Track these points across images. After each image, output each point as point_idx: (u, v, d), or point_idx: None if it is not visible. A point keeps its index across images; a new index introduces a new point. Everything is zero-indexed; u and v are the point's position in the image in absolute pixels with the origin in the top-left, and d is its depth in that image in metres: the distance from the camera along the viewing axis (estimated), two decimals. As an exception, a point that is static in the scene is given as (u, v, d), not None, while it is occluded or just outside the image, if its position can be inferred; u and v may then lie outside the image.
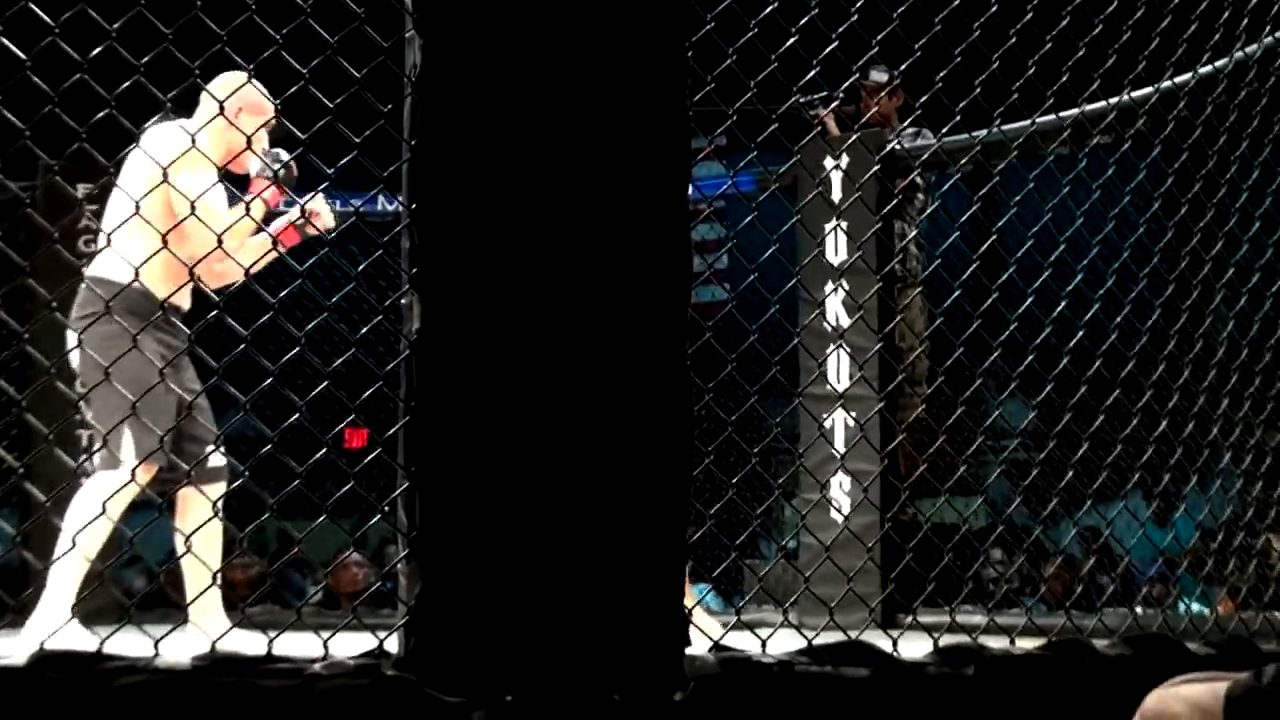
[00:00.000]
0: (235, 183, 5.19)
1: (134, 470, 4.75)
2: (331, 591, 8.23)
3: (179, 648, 3.14)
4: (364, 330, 4.58)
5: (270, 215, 5.37)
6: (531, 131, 3.01)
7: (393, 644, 3.09)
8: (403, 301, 3.11)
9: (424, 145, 3.03)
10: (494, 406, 2.98)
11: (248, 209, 4.85)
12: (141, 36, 3.23)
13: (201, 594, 4.33)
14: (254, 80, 4.19)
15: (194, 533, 4.49)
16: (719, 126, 3.74)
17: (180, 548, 4.96)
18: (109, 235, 4.79)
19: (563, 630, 3.00)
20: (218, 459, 5.24)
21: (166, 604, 6.36)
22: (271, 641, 3.09)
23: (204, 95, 4.87)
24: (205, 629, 4.01)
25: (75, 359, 5.11)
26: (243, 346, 3.32)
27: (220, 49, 3.20)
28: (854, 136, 5.72)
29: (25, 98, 3.33)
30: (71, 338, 5.01)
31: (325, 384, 3.32)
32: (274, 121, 5.04)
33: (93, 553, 4.77)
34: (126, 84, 3.22)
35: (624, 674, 3.05)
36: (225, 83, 4.78)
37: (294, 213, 5.39)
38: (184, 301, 5.28)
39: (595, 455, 3.02)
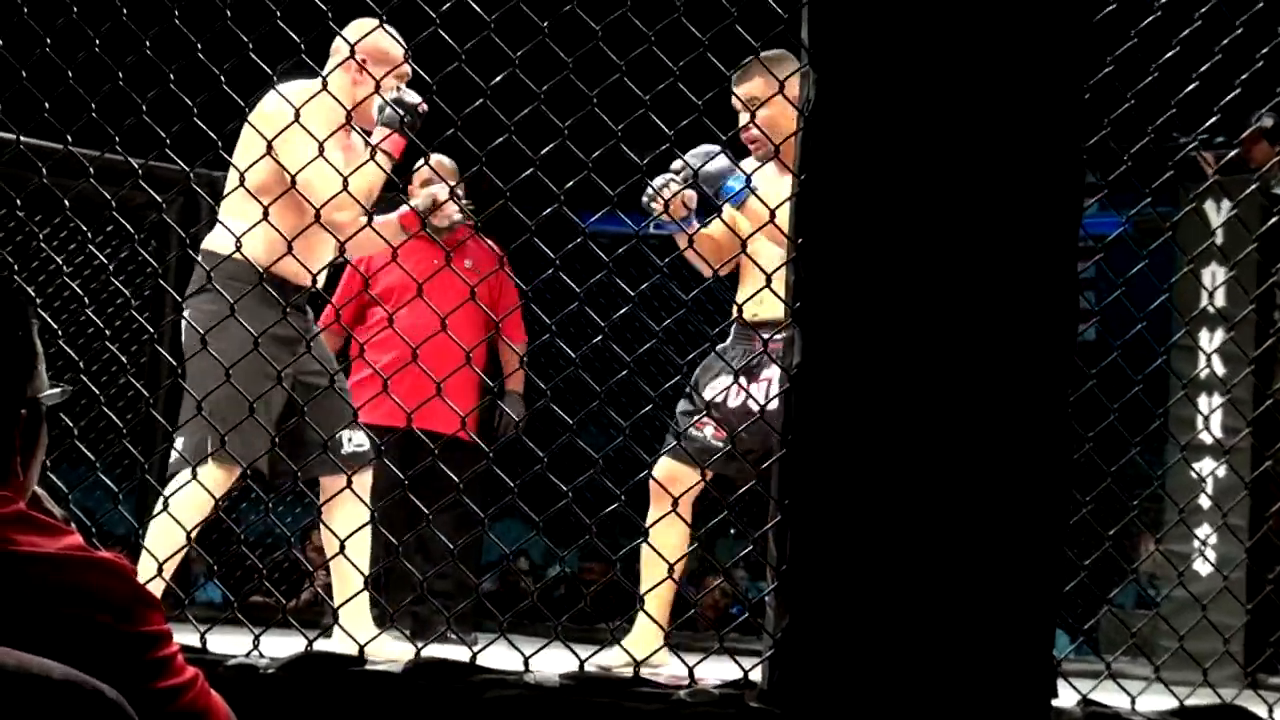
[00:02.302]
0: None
1: (194, 470, 4.30)
2: (681, 610, 8.30)
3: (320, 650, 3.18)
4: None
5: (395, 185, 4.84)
6: (922, 169, 2.99)
7: (756, 674, 3.10)
8: (784, 335, 3.11)
9: (813, 178, 3.03)
10: (872, 444, 2.96)
11: (372, 156, 4.20)
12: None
13: (352, 597, 3.97)
14: (385, 25, 4.06)
15: (348, 536, 3.93)
16: (1100, 165, 3.67)
17: (328, 547, 4.42)
18: (218, 204, 4.53)
19: (929, 676, 2.96)
20: (357, 443, 4.65)
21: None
22: (639, 663, 3.13)
23: (332, 50, 4.52)
24: (354, 633, 3.73)
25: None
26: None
27: (619, 79, 3.25)
28: (1250, 180, 5.55)
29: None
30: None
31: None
32: (406, 70, 4.50)
33: (167, 562, 3.99)
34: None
35: (990, 722, 3.00)
36: (351, 32, 4.40)
37: (423, 200, 4.84)
38: (305, 278, 4.44)
39: (971, 500, 2.97)
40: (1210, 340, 6.02)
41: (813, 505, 3.00)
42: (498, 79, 3.36)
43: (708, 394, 4.58)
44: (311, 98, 3.94)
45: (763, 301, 3.98)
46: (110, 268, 4.71)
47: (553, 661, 3.28)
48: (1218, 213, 5.93)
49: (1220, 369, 5.84)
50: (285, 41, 3.50)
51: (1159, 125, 3.62)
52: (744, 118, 4.62)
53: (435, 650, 3.23)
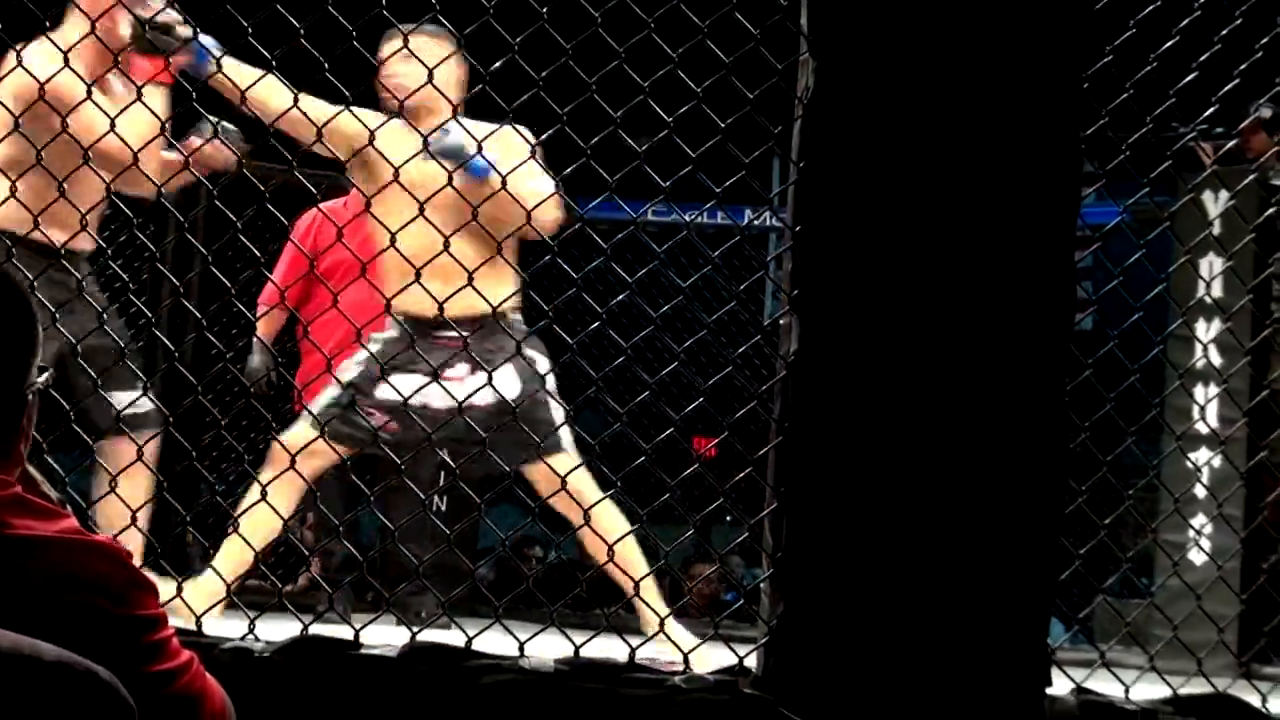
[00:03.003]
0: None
1: None
2: (676, 596, 8.32)
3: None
4: (734, 352, 4.58)
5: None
6: (920, 156, 2.99)
7: (751, 661, 3.11)
8: (781, 321, 3.12)
9: (812, 166, 3.03)
10: (869, 432, 2.96)
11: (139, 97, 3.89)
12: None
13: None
14: None
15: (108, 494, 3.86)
16: (1098, 155, 3.67)
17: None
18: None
19: (924, 663, 2.97)
20: (138, 405, 4.45)
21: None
22: (635, 650, 3.13)
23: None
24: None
25: None
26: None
27: (618, 65, 3.25)
28: (1248, 170, 5.55)
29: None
30: None
31: (700, 400, 3.34)
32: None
33: None
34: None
35: (983, 711, 3.01)
36: None
37: (195, 142, 4.49)
38: (61, 237, 4.15)
39: (967, 488, 2.98)
40: (1207, 330, 6.03)
41: (809, 492, 3.00)
42: (496, 65, 3.36)
43: (385, 391, 4.47)
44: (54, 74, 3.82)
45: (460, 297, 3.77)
46: (109, 251, 4.70)
47: (549, 647, 3.29)
48: (1215, 203, 5.94)
49: (1216, 359, 5.84)
50: (285, 26, 3.49)
51: (1157, 115, 3.62)
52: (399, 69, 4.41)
53: (430, 635, 3.23)
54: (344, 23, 3.39)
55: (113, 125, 3.71)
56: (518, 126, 3.90)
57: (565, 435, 4.48)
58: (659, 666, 3.12)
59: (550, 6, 3.37)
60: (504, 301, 4.16)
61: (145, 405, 4.46)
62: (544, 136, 3.33)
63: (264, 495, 3.90)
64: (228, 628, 3.29)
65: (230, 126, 4.35)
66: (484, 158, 3.91)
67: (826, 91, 3.02)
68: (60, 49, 3.95)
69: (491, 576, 8.41)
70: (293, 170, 3.68)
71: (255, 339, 5.90)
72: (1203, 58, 3.66)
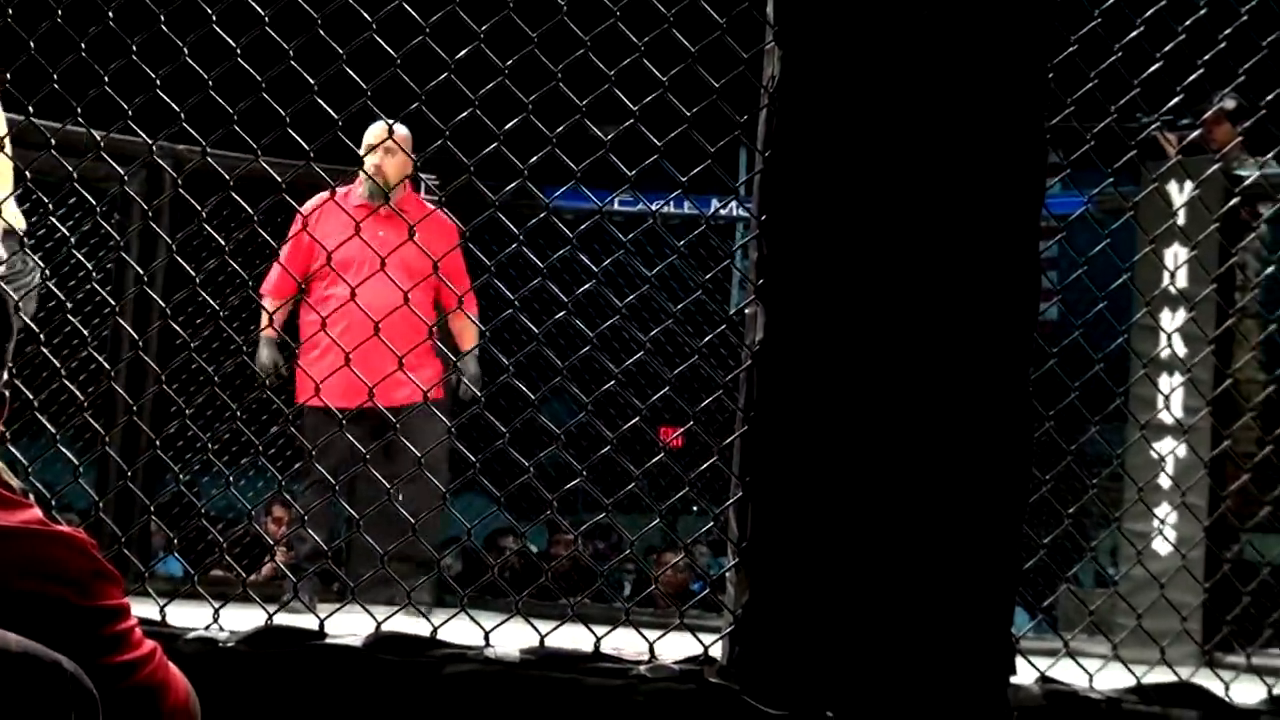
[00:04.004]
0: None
1: None
2: (642, 586, 8.33)
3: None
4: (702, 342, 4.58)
5: None
6: (886, 145, 3.00)
7: (716, 650, 3.11)
8: (747, 311, 3.12)
9: (777, 156, 3.04)
10: (834, 421, 2.97)
11: None
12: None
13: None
14: None
15: None
16: (1063, 145, 3.68)
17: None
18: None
19: (888, 650, 2.98)
20: None
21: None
22: (600, 639, 3.13)
23: None
24: None
25: None
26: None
27: (584, 54, 3.25)
28: (1212, 160, 5.57)
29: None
30: None
31: (665, 389, 3.34)
32: None
33: None
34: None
35: (948, 699, 3.02)
36: None
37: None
38: None
39: (932, 477, 2.98)
40: (1171, 320, 6.06)
41: (774, 482, 3.00)
42: (461, 54, 3.35)
43: None
44: None
45: None
46: (72, 240, 4.68)
47: (515, 636, 3.28)
48: (1180, 193, 5.96)
49: (1181, 349, 5.86)
50: (249, 14, 3.48)
51: (1122, 105, 3.63)
52: None
53: (396, 624, 3.22)
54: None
55: None
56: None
57: None
58: (624, 656, 3.12)
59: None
60: None
61: None
62: (509, 125, 3.32)
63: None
64: (192, 617, 3.28)
65: None
66: None
67: (792, 80, 3.03)
68: None
69: (459, 567, 8.41)
70: (257, 160, 3.66)
71: (262, 333, 5.85)
72: (1167, 48, 3.67)
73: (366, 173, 5.62)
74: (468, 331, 5.94)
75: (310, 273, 5.73)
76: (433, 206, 5.62)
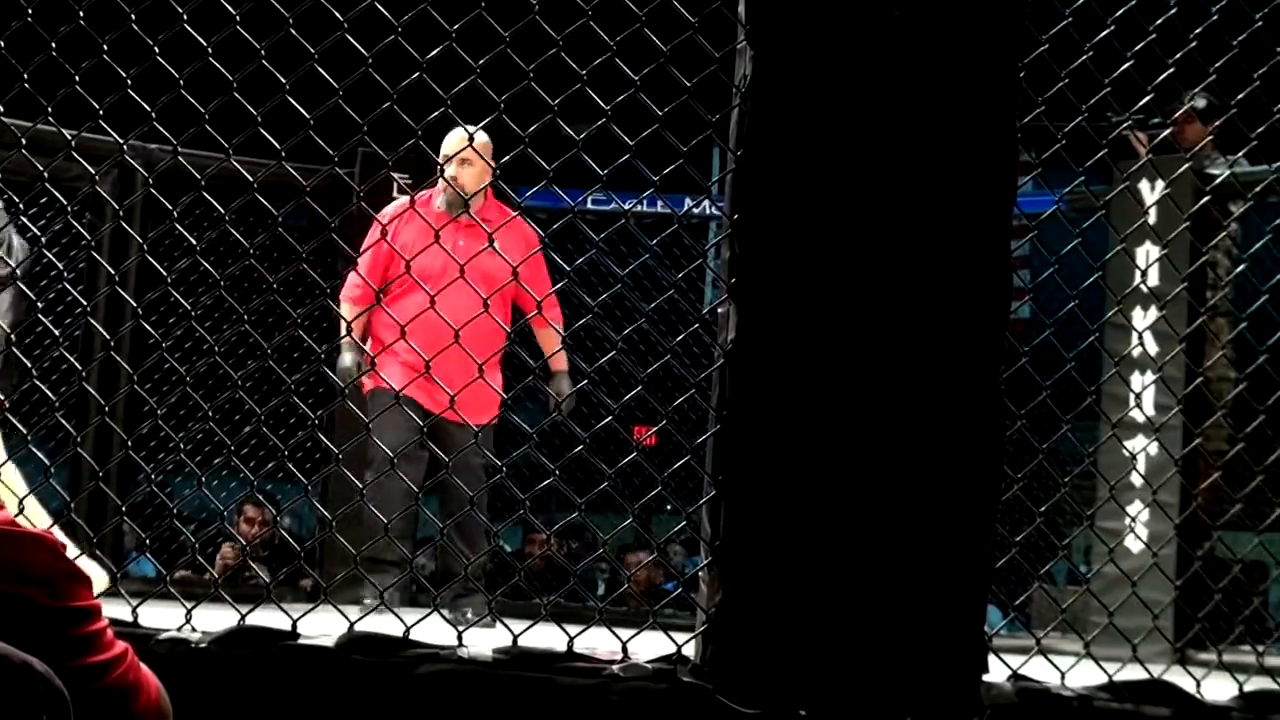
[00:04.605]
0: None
1: None
2: (616, 585, 8.34)
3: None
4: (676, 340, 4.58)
5: None
6: (858, 144, 3.00)
7: (689, 649, 3.11)
8: (719, 310, 3.12)
9: (749, 155, 3.04)
10: (806, 420, 2.97)
11: None
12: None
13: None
14: None
15: None
16: (1035, 144, 3.69)
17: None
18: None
19: (861, 649, 2.98)
20: None
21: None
22: (573, 639, 3.13)
23: None
24: None
25: None
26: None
27: (556, 53, 3.25)
28: (1183, 159, 5.59)
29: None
30: None
31: (638, 389, 3.34)
32: None
33: None
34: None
35: (920, 697, 3.02)
36: None
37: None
38: None
39: (905, 476, 2.99)
40: (1143, 318, 6.08)
41: (747, 481, 3.01)
42: (434, 53, 3.34)
43: None
44: None
45: None
46: (43, 240, 4.67)
47: (488, 636, 3.28)
48: (1151, 192, 5.98)
49: (1153, 347, 5.89)
50: (221, 13, 3.47)
51: (1092, 104, 3.64)
52: None
53: (367, 624, 3.22)
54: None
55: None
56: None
57: None
58: (597, 655, 3.12)
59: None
60: None
61: None
62: (481, 124, 3.32)
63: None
64: (164, 618, 3.27)
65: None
66: None
67: (764, 80, 3.03)
68: None
69: (431, 567, 8.39)
70: (229, 159, 3.65)
71: (343, 340, 5.79)
72: (1137, 47, 3.68)
73: (446, 181, 5.54)
74: (550, 339, 5.68)
75: (389, 280, 5.69)
76: (514, 214, 5.53)
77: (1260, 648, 4.18)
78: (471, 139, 5.15)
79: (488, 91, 3.31)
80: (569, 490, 3.59)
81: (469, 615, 5.16)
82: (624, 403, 3.59)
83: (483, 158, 5.54)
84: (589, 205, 7.75)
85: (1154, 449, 5.87)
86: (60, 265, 4.80)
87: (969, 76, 3.05)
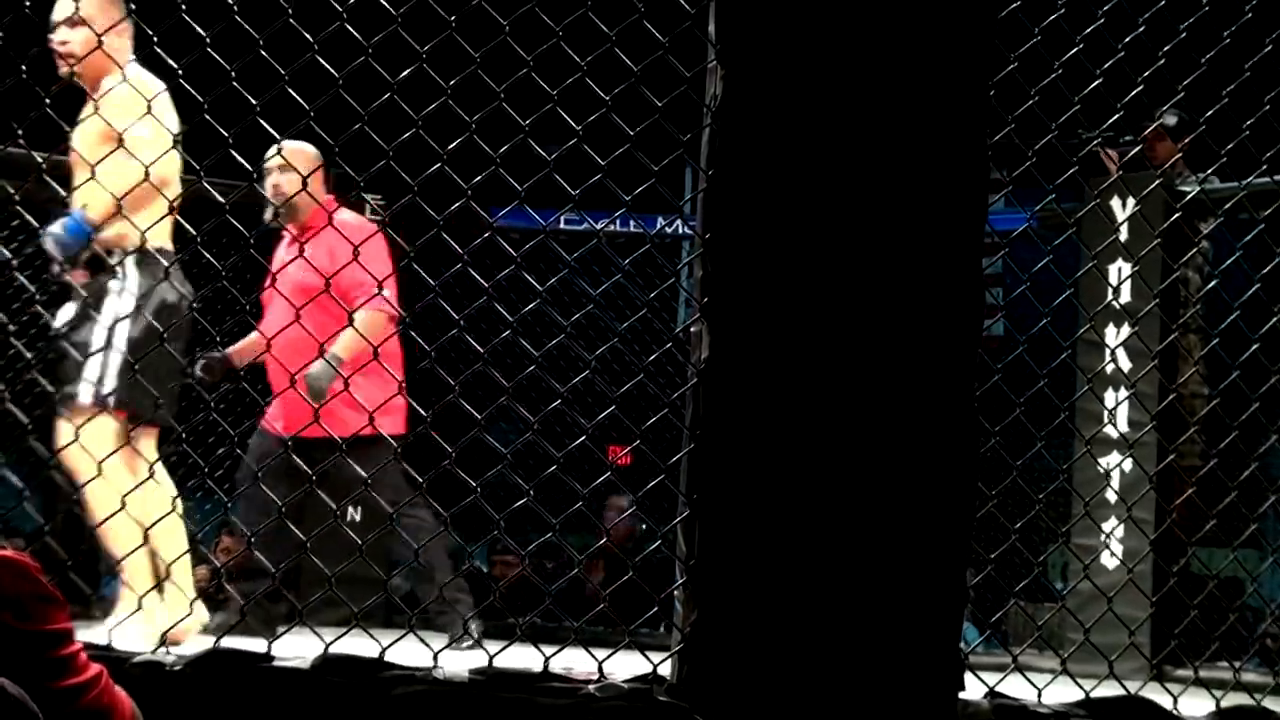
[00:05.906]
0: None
1: None
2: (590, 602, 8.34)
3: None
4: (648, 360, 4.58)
5: None
6: (830, 163, 3.01)
7: (665, 669, 3.11)
8: (692, 329, 3.12)
9: (721, 174, 3.04)
10: (779, 439, 2.97)
11: None
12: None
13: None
14: None
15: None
16: (1006, 162, 3.71)
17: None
18: None
19: (836, 668, 2.98)
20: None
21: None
22: (549, 658, 3.13)
23: None
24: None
25: None
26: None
27: (527, 74, 3.25)
28: (1154, 176, 5.61)
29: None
30: None
31: (612, 408, 3.34)
32: None
33: None
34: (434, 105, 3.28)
35: (897, 715, 3.02)
36: None
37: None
38: None
39: (879, 493, 2.99)
40: (1115, 335, 6.10)
41: (721, 500, 3.00)
42: (405, 73, 3.35)
43: None
44: None
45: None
46: (15, 263, 4.66)
47: (464, 657, 3.27)
48: (1122, 209, 6.01)
49: (1126, 363, 5.91)
50: (190, 35, 3.47)
51: (1063, 122, 3.66)
52: None
53: (344, 646, 3.21)
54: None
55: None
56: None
57: (87, 390, 4.47)
58: (574, 675, 3.11)
59: (457, 15, 3.36)
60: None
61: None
62: (453, 145, 3.32)
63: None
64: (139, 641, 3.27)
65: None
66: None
67: (735, 99, 3.03)
68: None
69: (406, 587, 8.37)
70: (200, 180, 3.65)
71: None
72: (1106, 65, 3.70)
73: (263, 192, 5.36)
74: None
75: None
76: (350, 217, 5.33)
77: (1237, 663, 4.19)
78: (279, 150, 5.12)
79: (459, 112, 3.31)
80: (543, 510, 3.59)
81: (473, 630, 5.10)
82: (598, 422, 3.58)
83: (293, 166, 5.26)
84: (561, 225, 7.77)
85: (1128, 465, 5.89)
86: (32, 288, 4.79)
87: (939, 95, 3.05)
